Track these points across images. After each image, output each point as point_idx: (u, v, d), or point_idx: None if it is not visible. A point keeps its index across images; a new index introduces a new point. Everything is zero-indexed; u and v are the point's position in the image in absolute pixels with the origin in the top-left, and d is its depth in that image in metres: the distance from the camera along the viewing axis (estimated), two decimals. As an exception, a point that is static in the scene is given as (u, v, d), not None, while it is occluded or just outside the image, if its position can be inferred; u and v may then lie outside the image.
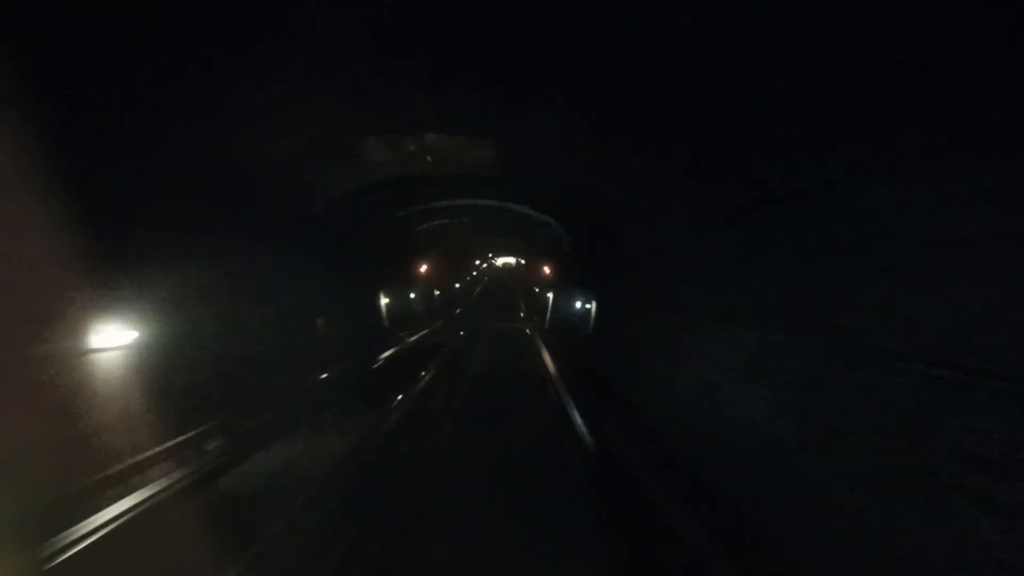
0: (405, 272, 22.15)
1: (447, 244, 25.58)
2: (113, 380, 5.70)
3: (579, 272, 14.36)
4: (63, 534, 4.32)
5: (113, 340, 5.80)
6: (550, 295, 26.42)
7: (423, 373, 12.35)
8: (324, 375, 11.65)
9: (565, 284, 19.24)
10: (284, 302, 10.98)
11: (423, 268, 25.69)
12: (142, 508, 5.04)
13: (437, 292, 32.00)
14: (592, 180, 8.69)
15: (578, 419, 8.06)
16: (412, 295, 24.45)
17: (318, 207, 10.53)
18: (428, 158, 9.00)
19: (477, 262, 51.08)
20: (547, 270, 29.83)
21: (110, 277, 5.83)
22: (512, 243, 28.25)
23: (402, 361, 14.37)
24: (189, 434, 6.64)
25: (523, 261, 49.46)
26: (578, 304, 15.47)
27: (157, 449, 6.04)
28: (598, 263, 12.29)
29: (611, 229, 10.49)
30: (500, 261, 57.28)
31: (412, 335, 19.83)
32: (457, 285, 41.82)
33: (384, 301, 18.52)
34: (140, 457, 5.77)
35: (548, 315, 25.23)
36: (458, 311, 33.67)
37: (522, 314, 29.53)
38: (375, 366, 13.68)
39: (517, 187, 11.79)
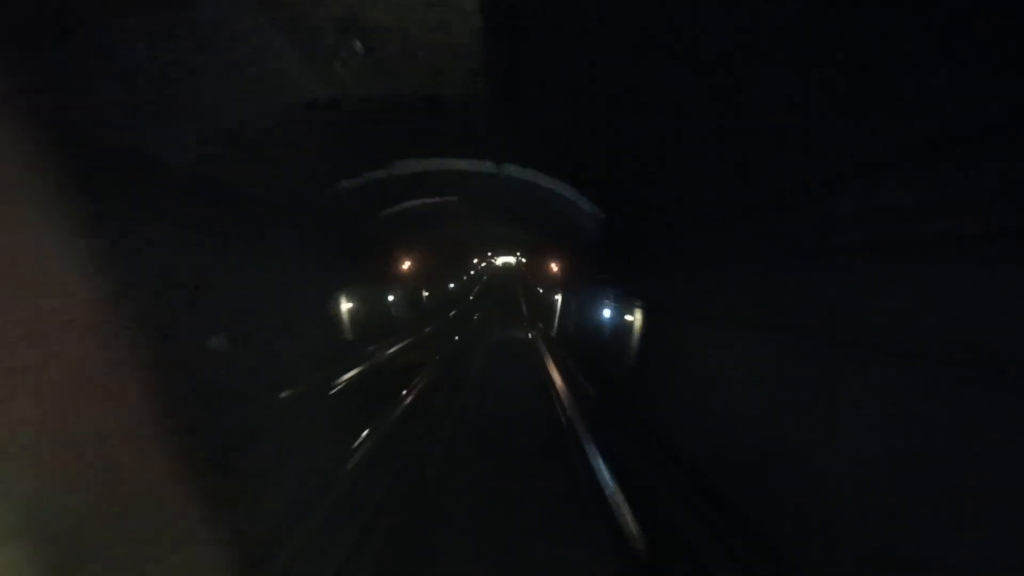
0: (379, 269, 17.83)
1: (437, 238, 21.34)
2: None
3: (615, 265, 9.91)
4: None
5: None
6: (558, 298, 22.05)
7: (380, 426, 8.08)
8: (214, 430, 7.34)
9: (583, 284, 14.87)
10: (146, 310, 6.68)
11: (406, 265, 21.38)
12: None
13: (426, 293, 27.76)
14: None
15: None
16: (391, 297, 20.15)
17: (191, 151, 6.25)
18: (359, 44, 4.71)
19: (476, 260, 47.84)
20: (554, 267, 25.51)
21: None
22: (513, 233, 23.90)
23: (351, 401, 10.07)
24: None
25: (524, 260, 45.45)
26: (607, 312, 10.90)
27: None
28: (655, 250, 7.91)
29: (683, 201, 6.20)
30: (500, 260, 55.97)
31: (386, 348, 15.46)
32: (452, 285, 37.63)
33: (346, 306, 14.18)
34: None
35: (556, 322, 20.88)
36: (452, 313, 29.43)
37: (526, 324, 25.06)
38: (295, 420, 9.38)
39: (519, 129, 7.49)
